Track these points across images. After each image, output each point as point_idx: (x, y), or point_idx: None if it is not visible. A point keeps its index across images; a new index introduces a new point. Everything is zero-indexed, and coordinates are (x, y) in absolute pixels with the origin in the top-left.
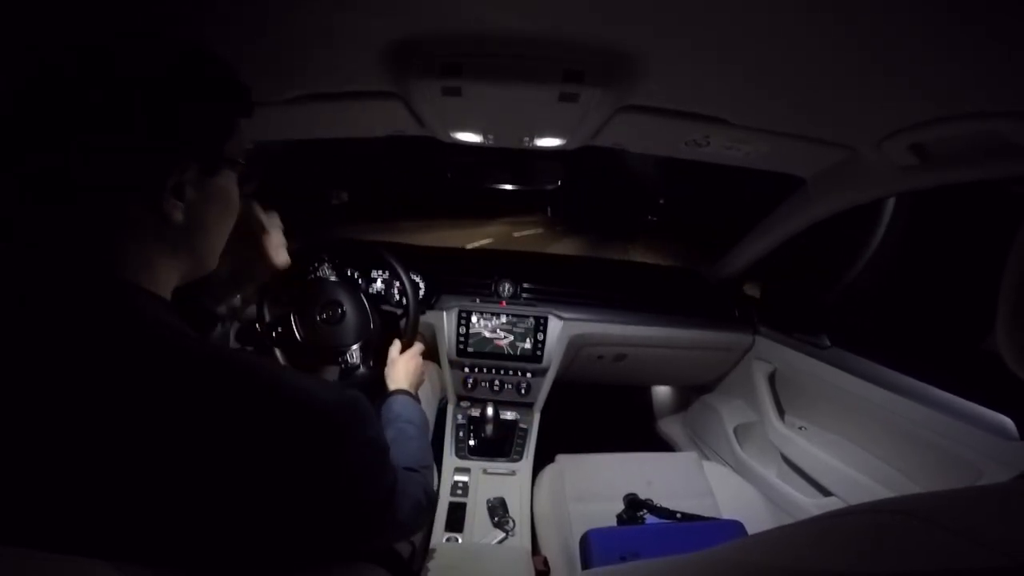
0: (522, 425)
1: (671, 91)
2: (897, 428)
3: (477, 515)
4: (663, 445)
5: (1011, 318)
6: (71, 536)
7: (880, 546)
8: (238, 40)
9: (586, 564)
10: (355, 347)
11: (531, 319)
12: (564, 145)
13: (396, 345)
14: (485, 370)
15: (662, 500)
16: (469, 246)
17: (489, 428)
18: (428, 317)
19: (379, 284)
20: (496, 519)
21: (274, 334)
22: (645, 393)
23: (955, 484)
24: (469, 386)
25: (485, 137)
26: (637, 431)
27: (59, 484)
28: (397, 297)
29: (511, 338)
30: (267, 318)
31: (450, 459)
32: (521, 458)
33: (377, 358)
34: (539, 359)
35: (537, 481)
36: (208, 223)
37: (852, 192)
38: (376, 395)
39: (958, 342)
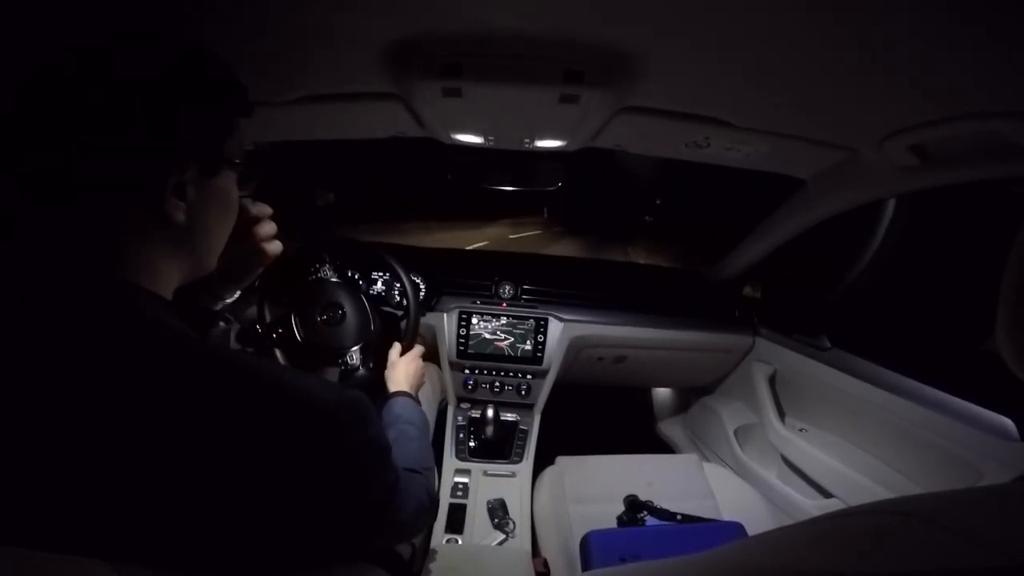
0: (522, 427)
1: (671, 92)
2: (898, 429)
3: (477, 517)
4: (663, 447)
5: (1011, 319)
6: (71, 536)
7: (880, 546)
8: (238, 40)
9: (586, 566)
10: (355, 349)
11: (531, 321)
12: (564, 146)
13: (396, 347)
14: (485, 372)
15: (662, 502)
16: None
17: (489, 430)
18: (428, 319)
19: (380, 285)
20: (496, 521)
21: (274, 335)
22: (645, 395)
23: (956, 485)
24: (469, 388)
25: (485, 138)
26: (637, 433)
27: (59, 484)
28: (397, 298)
29: (511, 340)
30: (268, 319)
31: (450, 461)
32: (521, 460)
33: (377, 360)
34: (539, 361)
35: (537, 483)
36: (208, 223)
37: (852, 193)
38: (376, 397)
39: (958, 343)
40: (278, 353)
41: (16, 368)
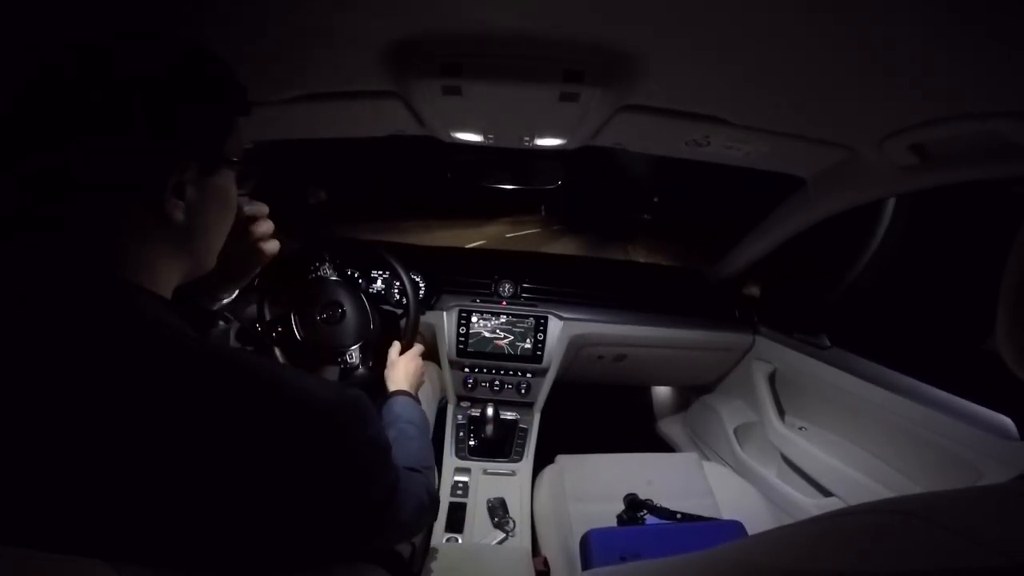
0: (522, 425)
1: (671, 91)
2: (897, 428)
3: (477, 515)
4: (663, 445)
5: (1011, 318)
6: (71, 536)
7: (880, 546)
8: (238, 40)
9: (586, 564)
10: (355, 347)
11: (531, 319)
12: (564, 145)
13: (396, 346)
14: (485, 370)
15: (662, 500)
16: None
17: (489, 428)
18: (428, 317)
19: (379, 284)
20: (496, 519)
21: (274, 334)
22: (645, 393)
23: (955, 484)
24: (469, 386)
25: (485, 137)
26: (637, 431)
27: (59, 484)
28: (397, 297)
29: (511, 338)
30: (267, 317)
31: (450, 459)
32: (521, 458)
33: (377, 359)
34: (539, 359)
35: (537, 481)
36: (208, 222)
37: (852, 192)
38: (376, 396)
39: (958, 342)
40: (278, 352)
41: (16, 368)
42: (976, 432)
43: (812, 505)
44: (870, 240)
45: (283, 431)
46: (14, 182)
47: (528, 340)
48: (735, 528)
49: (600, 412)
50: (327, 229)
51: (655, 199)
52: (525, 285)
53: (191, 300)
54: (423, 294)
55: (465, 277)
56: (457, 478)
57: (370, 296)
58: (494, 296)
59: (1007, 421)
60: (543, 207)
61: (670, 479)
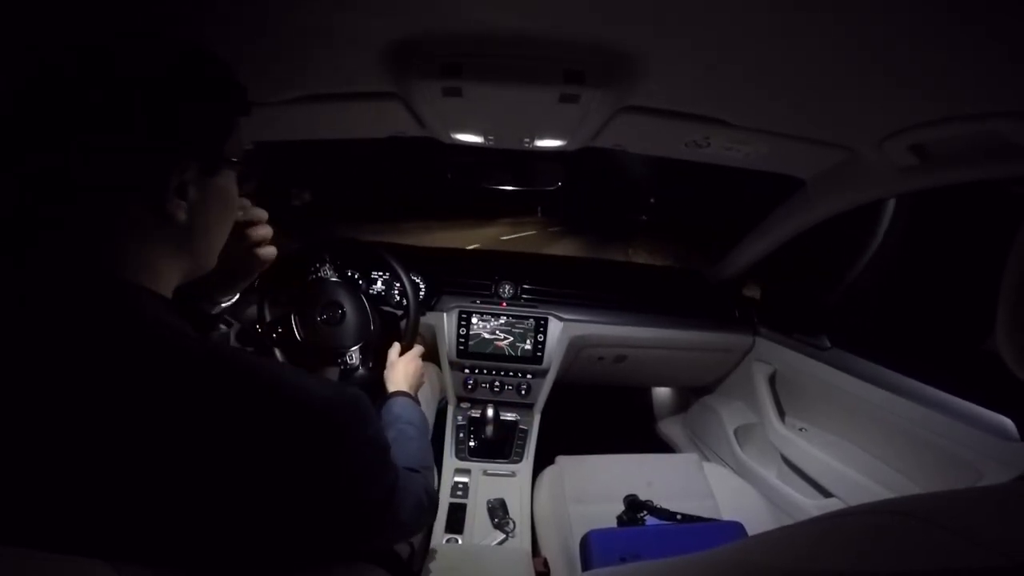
0: (522, 426)
1: (671, 92)
2: (897, 429)
3: (477, 516)
4: (663, 446)
5: (1011, 319)
6: (71, 536)
7: (880, 546)
8: (238, 40)
9: (586, 565)
10: (355, 348)
11: (531, 320)
12: (564, 146)
13: (396, 347)
14: (485, 371)
15: (662, 501)
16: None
17: (489, 429)
18: (428, 318)
19: (379, 285)
20: (496, 520)
21: (274, 334)
22: (645, 394)
23: (956, 485)
24: (469, 387)
25: (486, 138)
26: (637, 432)
27: (59, 484)
28: (397, 298)
29: (511, 339)
30: (267, 318)
31: (450, 460)
32: (521, 459)
33: (377, 359)
34: (539, 360)
35: (537, 482)
36: (209, 223)
37: (852, 193)
38: (376, 397)
39: (958, 343)
40: (278, 353)
41: (16, 368)
42: (976, 433)
43: (812, 506)
44: (870, 241)
45: (283, 430)
46: (14, 182)
47: (528, 341)
48: (735, 529)
49: (600, 413)
50: (315, 230)
51: (651, 200)
52: (525, 286)
53: (190, 303)
54: (423, 295)
55: (465, 278)
56: (457, 479)
57: (370, 297)
58: (494, 297)
59: (1007, 422)
60: (539, 208)
61: (670, 480)
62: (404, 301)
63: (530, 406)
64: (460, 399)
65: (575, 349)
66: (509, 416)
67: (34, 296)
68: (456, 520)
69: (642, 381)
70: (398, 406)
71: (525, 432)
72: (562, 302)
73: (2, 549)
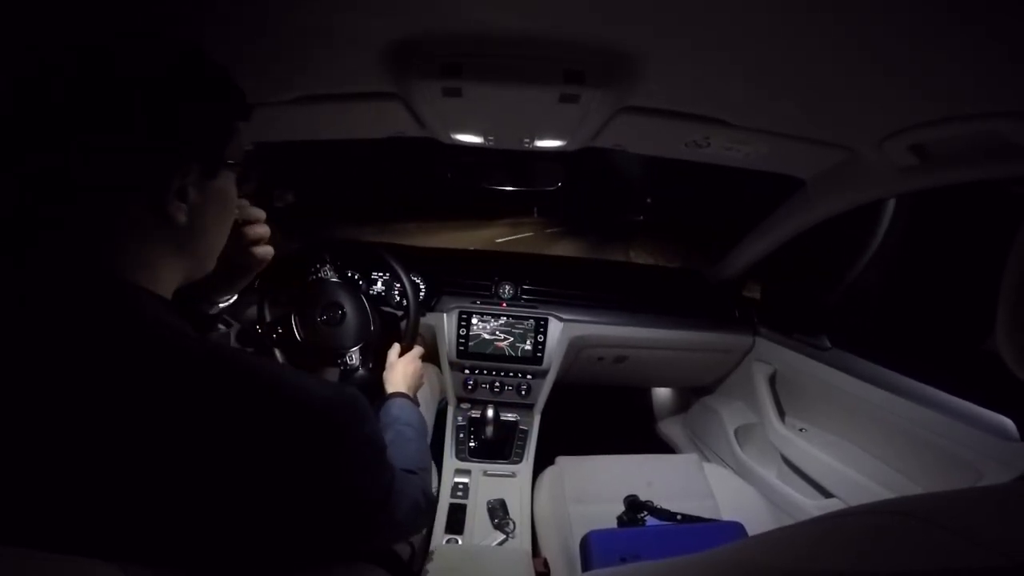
0: (522, 427)
1: (671, 92)
2: (898, 429)
3: (477, 517)
4: (663, 447)
5: (1011, 319)
6: (71, 536)
7: (880, 546)
8: (238, 40)
9: (586, 566)
10: (355, 349)
11: (531, 321)
12: (564, 146)
13: (395, 348)
14: (485, 372)
15: (662, 502)
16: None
17: (489, 430)
18: (428, 319)
19: (379, 285)
20: (496, 521)
21: (274, 335)
22: (645, 395)
23: (956, 485)
24: (469, 388)
25: (485, 138)
26: (637, 433)
27: (59, 484)
28: (397, 298)
29: (511, 340)
30: (267, 318)
31: (450, 461)
32: (521, 460)
33: (377, 360)
34: (539, 361)
35: (537, 483)
36: (208, 224)
37: (852, 193)
38: (375, 398)
39: (958, 343)
40: (277, 353)
41: (16, 368)
42: (976, 433)
43: (812, 506)
44: (870, 240)
45: (283, 430)
46: (14, 182)
47: (528, 341)
48: (735, 529)
49: (600, 413)
50: (326, 230)
51: (648, 200)
52: (525, 287)
53: (189, 303)
54: (423, 296)
55: (465, 279)
56: (457, 479)
57: (370, 298)
58: (494, 298)
59: (1007, 422)
60: (535, 209)
61: (670, 480)
62: (404, 302)
63: (530, 406)
64: (460, 400)
65: (575, 349)
66: (509, 416)
67: (34, 296)
68: (456, 520)
69: (642, 381)
70: (396, 407)
71: (525, 432)
72: (562, 302)
73: (2, 549)
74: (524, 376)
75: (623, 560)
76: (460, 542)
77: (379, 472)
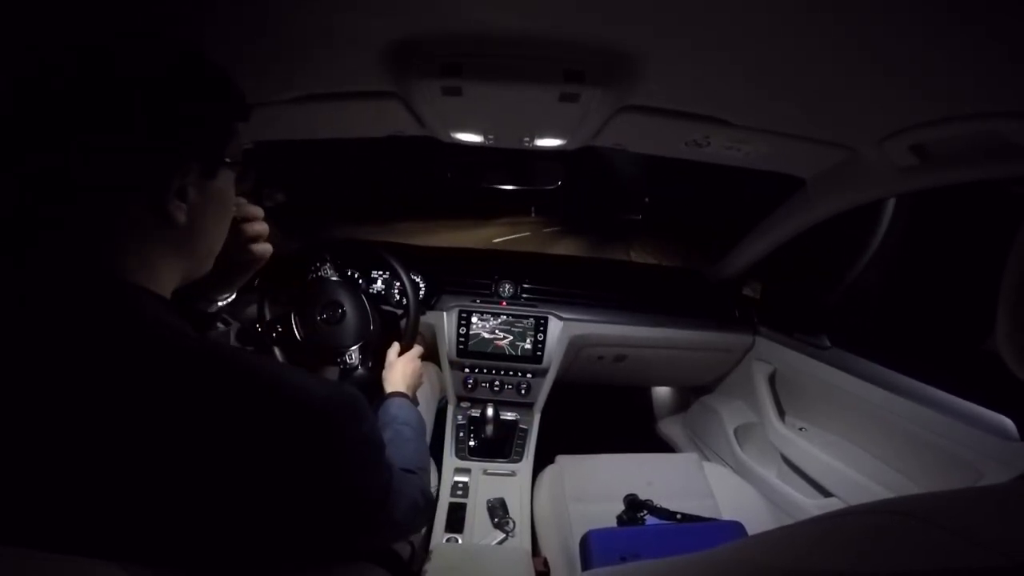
0: (522, 426)
1: (671, 91)
2: (897, 429)
3: (477, 516)
4: (663, 446)
5: (1011, 319)
6: (72, 536)
7: (879, 546)
8: (238, 40)
9: (586, 565)
10: (355, 348)
11: (531, 319)
12: (564, 145)
13: (395, 347)
14: (485, 371)
15: (662, 501)
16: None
17: (489, 429)
18: (428, 317)
19: (379, 284)
20: (496, 520)
21: (274, 333)
22: (645, 394)
23: (956, 485)
24: (469, 386)
25: (485, 137)
26: (637, 432)
27: (59, 484)
28: (397, 297)
29: (511, 338)
30: (267, 317)
31: (450, 460)
32: (521, 459)
33: (376, 359)
34: (539, 359)
35: (537, 482)
36: (208, 224)
37: (852, 193)
38: (374, 397)
39: (958, 343)
40: (277, 352)
41: (16, 368)
42: (976, 433)
43: (812, 506)
44: (870, 240)
45: (282, 429)
46: (14, 182)
47: (528, 340)
48: (735, 529)
49: (600, 412)
50: (326, 229)
51: (646, 199)
52: (525, 285)
53: (187, 302)
54: (423, 294)
55: (465, 277)
56: (457, 478)
57: (370, 296)
58: (494, 296)
59: (1007, 422)
60: (532, 209)
61: (670, 479)
62: (404, 300)
63: (530, 405)
64: (460, 398)
65: (575, 348)
66: (509, 415)
67: (34, 296)
68: (456, 520)
69: (642, 381)
70: (395, 407)
71: (525, 431)
72: (562, 301)
73: (2, 549)
74: (524, 375)
75: (623, 559)
76: (460, 541)
77: (378, 471)
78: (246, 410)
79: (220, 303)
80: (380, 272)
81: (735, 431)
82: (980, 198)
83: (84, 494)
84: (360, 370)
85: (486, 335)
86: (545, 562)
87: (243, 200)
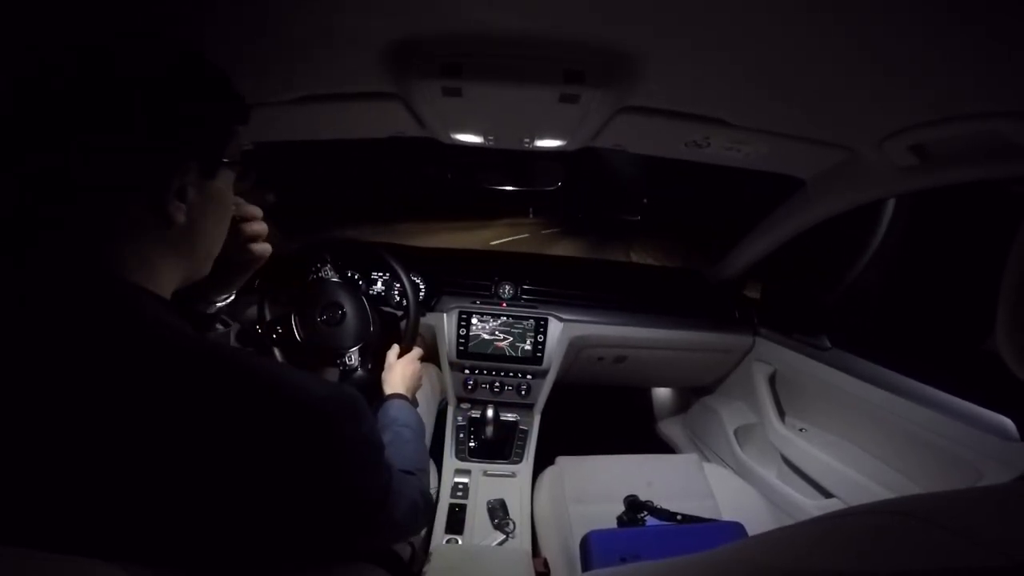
0: (522, 427)
1: (671, 92)
2: (898, 429)
3: (477, 517)
4: (663, 447)
5: (1011, 319)
6: (72, 536)
7: (880, 546)
8: (238, 40)
9: (586, 566)
10: (354, 349)
11: (531, 320)
12: (564, 146)
13: (394, 349)
14: (485, 372)
15: (662, 502)
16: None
17: (489, 430)
18: (428, 319)
19: (379, 285)
20: (496, 521)
21: (274, 334)
22: (645, 395)
23: (956, 485)
24: (469, 388)
25: (485, 138)
26: (637, 433)
27: (59, 484)
28: (397, 298)
29: (511, 339)
30: (267, 318)
31: (450, 461)
32: (521, 460)
33: (376, 361)
34: (539, 361)
35: (537, 483)
36: (207, 225)
37: (852, 193)
38: (373, 398)
39: (958, 343)
40: (277, 352)
41: (16, 368)
42: (976, 433)
43: (812, 506)
44: (870, 240)
45: (282, 429)
46: (14, 182)
47: (528, 341)
48: (735, 529)
49: (600, 413)
50: (326, 230)
51: (644, 200)
52: (525, 287)
53: (187, 303)
54: (423, 296)
55: (465, 279)
56: (457, 479)
57: (370, 298)
58: (494, 298)
59: (1007, 422)
60: (531, 210)
61: (670, 480)
62: (404, 302)
63: (530, 406)
64: (460, 400)
65: (575, 349)
66: (509, 416)
67: (34, 296)
68: (456, 520)
69: (642, 381)
70: (394, 408)
71: (525, 432)
72: (562, 302)
73: (2, 549)
74: (524, 376)
75: (623, 560)
76: (460, 542)
77: (377, 472)
78: (246, 410)
79: (219, 304)
80: (380, 273)
81: (735, 432)
82: (980, 198)
83: (84, 494)
84: (360, 372)
85: (486, 336)
86: (545, 563)
87: (241, 200)
